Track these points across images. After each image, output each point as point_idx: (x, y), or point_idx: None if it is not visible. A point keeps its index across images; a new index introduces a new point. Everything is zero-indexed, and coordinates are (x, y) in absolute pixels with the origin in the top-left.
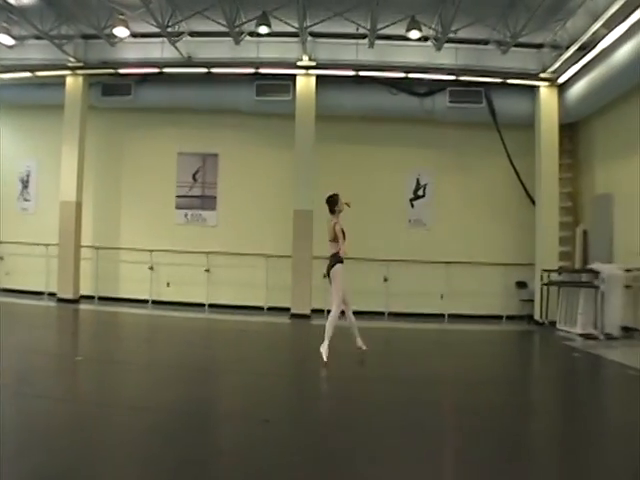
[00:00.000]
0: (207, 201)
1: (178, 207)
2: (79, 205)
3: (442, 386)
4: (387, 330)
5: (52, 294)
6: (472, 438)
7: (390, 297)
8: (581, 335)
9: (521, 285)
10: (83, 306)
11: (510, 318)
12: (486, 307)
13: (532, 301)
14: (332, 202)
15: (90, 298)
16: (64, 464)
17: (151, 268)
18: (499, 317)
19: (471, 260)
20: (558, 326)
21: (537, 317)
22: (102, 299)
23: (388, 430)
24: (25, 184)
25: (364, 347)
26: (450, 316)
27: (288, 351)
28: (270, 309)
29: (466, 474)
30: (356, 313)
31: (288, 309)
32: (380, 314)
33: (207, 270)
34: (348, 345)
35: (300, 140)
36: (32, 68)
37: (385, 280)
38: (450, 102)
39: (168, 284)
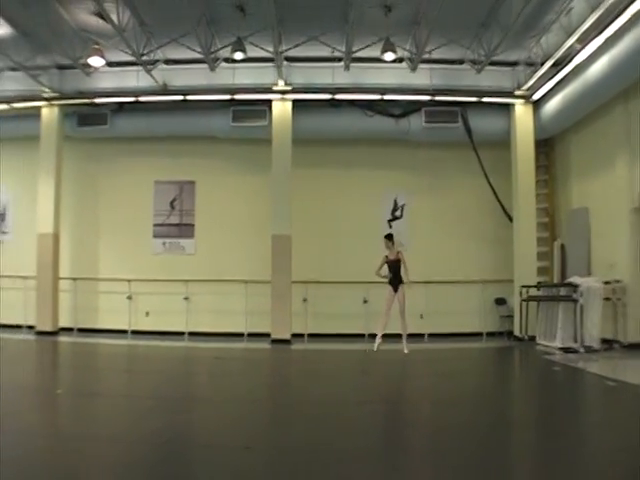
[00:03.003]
0: (185, 229)
1: (156, 236)
2: (56, 237)
3: (427, 406)
4: (373, 352)
5: (31, 327)
6: (459, 456)
7: (370, 318)
8: (561, 349)
9: (500, 302)
10: (62, 338)
11: (490, 335)
12: (466, 325)
13: (511, 317)
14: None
15: (69, 330)
16: None
17: (129, 298)
18: (479, 334)
19: (450, 279)
20: (538, 341)
21: (517, 333)
22: (81, 331)
23: (367, 453)
24: (1, 217)
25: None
26: (430, 335)
27: (268, 377)
28: (250, 335)
29: None
30: (337, 336)
31: (268, 335)
32: (360, 336)
33: (186, 298)
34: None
35: (277, 165)
36: (7, 100)
37: (365, 302)
38: (426, 122)
39: (147, 313)
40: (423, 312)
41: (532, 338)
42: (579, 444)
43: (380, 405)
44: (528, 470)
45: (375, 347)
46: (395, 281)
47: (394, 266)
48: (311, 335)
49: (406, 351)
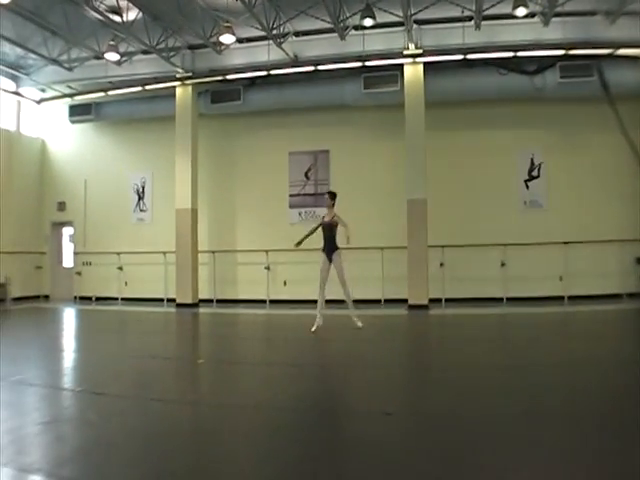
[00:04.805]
0: (320, 198)
1: (292, 206)
2: (194, 212)
3: (584, 370)
4: (508, 316)
5: (171, 300)
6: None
7: (508, 282)
8: None
9: None
10: (202, 310)
11: (630, 296)
12: (605, 286)
13: None
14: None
15: (208, 302)
16: (194, 465)
17: (267, 268)
18: (619, 296)
19: (589, 239)
20: None
21: None
22: (220, 302)
23: (512, 419)
24: (141, 195)
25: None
26: (570, 297)
27: (407, 342)
28: (387, 301)
29: None
30: (473, 300)
31: (405, 300)
32: (498, 300)
33: None
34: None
35: (411, 129)
36: (142, 82)
37: (502, 265)
38: (561, 78)
39: (285, 283)
40: (562, 274)
41: None
42: None
43: (525, 370)
44: None
45: (314, 327)
46: (329, 248)
47: (328, 230)
48: (448, 300)
49: (360, 325)
